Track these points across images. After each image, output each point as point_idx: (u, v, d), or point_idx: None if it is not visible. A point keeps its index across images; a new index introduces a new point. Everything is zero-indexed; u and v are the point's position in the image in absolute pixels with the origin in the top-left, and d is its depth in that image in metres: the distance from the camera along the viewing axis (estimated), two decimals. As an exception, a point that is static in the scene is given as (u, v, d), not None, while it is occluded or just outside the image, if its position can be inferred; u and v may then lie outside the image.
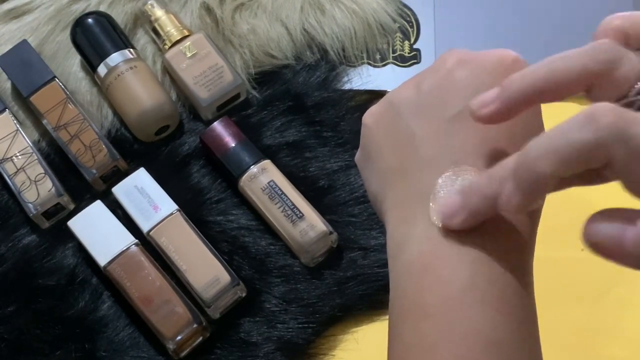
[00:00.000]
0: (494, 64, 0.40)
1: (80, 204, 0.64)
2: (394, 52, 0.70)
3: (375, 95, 0.68)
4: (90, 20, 0.67)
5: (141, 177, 0.62)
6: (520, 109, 0.37)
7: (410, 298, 0.37)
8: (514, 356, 0.35)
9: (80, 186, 0.64)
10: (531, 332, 0.37)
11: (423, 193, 0.37)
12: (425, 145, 0.38)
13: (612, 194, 0.64)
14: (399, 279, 0.38)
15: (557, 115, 0.70)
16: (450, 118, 0.38)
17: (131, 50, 0.66)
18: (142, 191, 0.61)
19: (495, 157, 0.37)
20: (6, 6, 0.71)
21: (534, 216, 0.39)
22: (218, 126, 0.64)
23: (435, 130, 0.38)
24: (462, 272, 0.36)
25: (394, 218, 0.39)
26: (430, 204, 0.37)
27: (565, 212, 0.63)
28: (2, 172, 0.63)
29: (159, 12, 0.68)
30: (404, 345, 0.37)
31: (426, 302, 0.36)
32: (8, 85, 0.68)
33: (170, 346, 0.57)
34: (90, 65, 0.67)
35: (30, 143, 0.64)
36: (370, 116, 0.42)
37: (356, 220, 0.62)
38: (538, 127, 0.41)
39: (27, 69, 0.65)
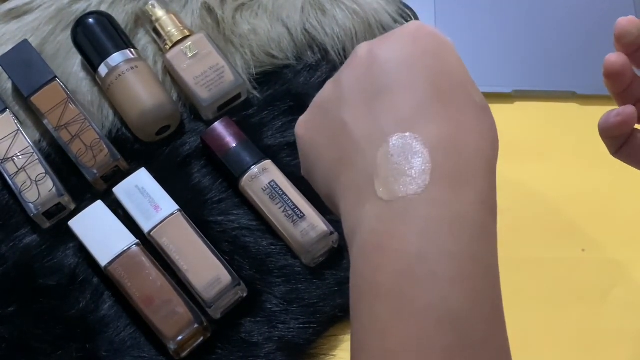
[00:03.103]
0: (404, 39, 0.40)
1: (81, 204, 0.64)
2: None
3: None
4: (91, 20, 0.67)
5: (142, 177, 0.62)
6: None
7: (364, 279, 0.37)
8: (472, 327, 0.34)
9: (81, 186, 0.64)
10: (489, 296, 0.36)
11: (366, 173, 0.37)
12: (357, 128, 0.38)
13: (611, 199, 0.64)
14: (355, 262, 0.38)
15: (558, 115, 0.70)
16: (373, 96, 0.38)
17: (132, 50, 0.66)
18: (143, 191, 0.61)
19: (415, 120, 0.37)
20: (7, 6, 0.71)
21: (490, 175, 0.38)
22: (219, 126, 0.64)
23: (362, 112, 0.39)
24: (410, 244, 0.35)
25: (345, 205, 0.39)
26: (375, 180, 0.37)
27: (566, 212, 0.63)
28: (3, 172, 0.63)
29: (159, 12, 0.68)
30: (362, 327, 0.36)
31: (378, 282, 0.36)
32: (9, 85, 0.68)
33: (171, 346, 0.57)
34: (91, 65, 0.67)
35: (31, 143, 0.64)
36: (300, 127, 0.43)
37: (357, 220, 0.62)
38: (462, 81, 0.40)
39: (28, 69, 0.65)
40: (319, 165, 0.41)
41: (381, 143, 0.37)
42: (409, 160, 0.36)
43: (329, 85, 0.42)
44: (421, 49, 0.39)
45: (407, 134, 0.36)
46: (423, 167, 0.36)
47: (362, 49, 0.41)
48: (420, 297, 0.35)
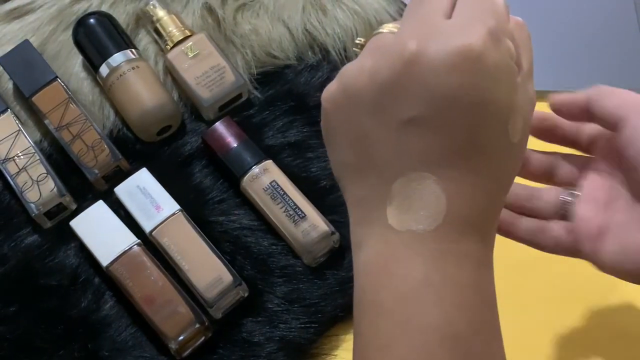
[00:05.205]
0: (454, 64, 0.36)
1: (83, 204, 0.64)
2: (395, 52, 0.70)
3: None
4: (92, 20, 0.67)
5: (143, 177, 0.62)
6: None
7: (367, 295, 0.38)
8: (471, 347, 0.36)
9: (82, 186, 0.65)
10: (489, 321, 0.38)
11: (379, 195, 0.38)
12: (379, 149, 0.38)
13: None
14: (358, 276, 0.39)
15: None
16: (404, 121, 0.37)
17: (133, 50, 0.67)
18: (144, 191, 0.61)
19: (441, 164, 0.37)
20: (8, 6, 0.71)
21: (497, 220, 0.39)
22: (220, 126, 0.64)
23: (388, 134, 0.37)
24: (416, 271, 0.36)
25: (354, 216, 0.40)
26: (387, 207, 0.38)
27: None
28: (4, 172, 0.63)
29: (160, 13, 0.68)
30: (364, 341, 0.38)
31: (382, 300, 0.37)
32: (10, 85, 0.68)
33: (173, 346, 0.57)
34: (92, 65, 0.67)
35: (32, 143, 0.64)
36: (328, 101, 0.40)
37: (358, 220, 0.63)
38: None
39: (29, 69, 0.66)
40: (336, 153, 0.41)
41: (400, 174, 0.37)
42: (424, 200, 0.37)
43: (363, 73, 0.38)
44: (470, 81, 0.36)
45: (429, 175, 0.37)
46: (437, 210, 0.37)
47: (411, 43, 0.36)
48: (424, 316, 0.36)
